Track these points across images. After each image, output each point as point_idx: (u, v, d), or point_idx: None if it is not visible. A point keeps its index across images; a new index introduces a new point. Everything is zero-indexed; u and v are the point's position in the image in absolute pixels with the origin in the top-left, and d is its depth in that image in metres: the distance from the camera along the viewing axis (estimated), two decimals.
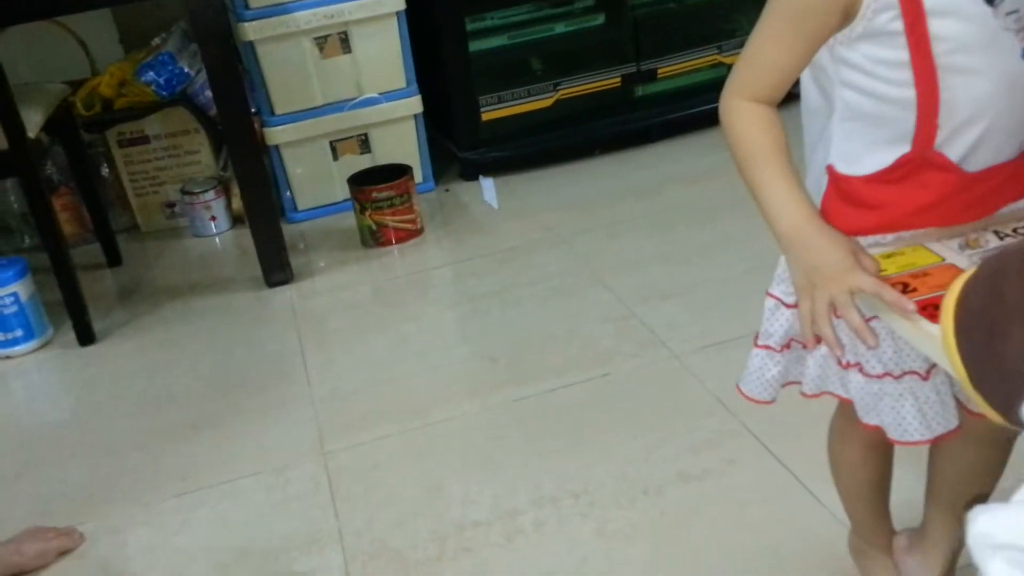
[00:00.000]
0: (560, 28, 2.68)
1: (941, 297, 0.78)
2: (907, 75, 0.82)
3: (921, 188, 0.87)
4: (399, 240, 2.44)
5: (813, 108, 0.94)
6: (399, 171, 2.46)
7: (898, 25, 0.80)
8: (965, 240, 0.87)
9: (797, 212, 0.88)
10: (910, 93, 0.83)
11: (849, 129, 0.90)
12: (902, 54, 0.81)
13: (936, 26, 0.80)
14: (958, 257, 0.85)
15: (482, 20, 2.62)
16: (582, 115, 2.74)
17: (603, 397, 1.73)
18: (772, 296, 0.98)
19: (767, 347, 0.98)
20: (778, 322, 0.97)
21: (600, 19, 2.71)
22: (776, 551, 1.33)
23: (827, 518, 1.34)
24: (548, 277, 2.18)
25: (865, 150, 0.89)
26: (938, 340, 0.74)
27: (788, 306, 0.96)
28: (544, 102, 2.72)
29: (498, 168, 2.73)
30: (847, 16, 0.83)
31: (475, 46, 2.63)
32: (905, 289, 0.81)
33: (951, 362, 0.64)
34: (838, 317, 0.86)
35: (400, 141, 2.66)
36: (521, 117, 2.71)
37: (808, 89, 0.94)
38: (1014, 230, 0.88)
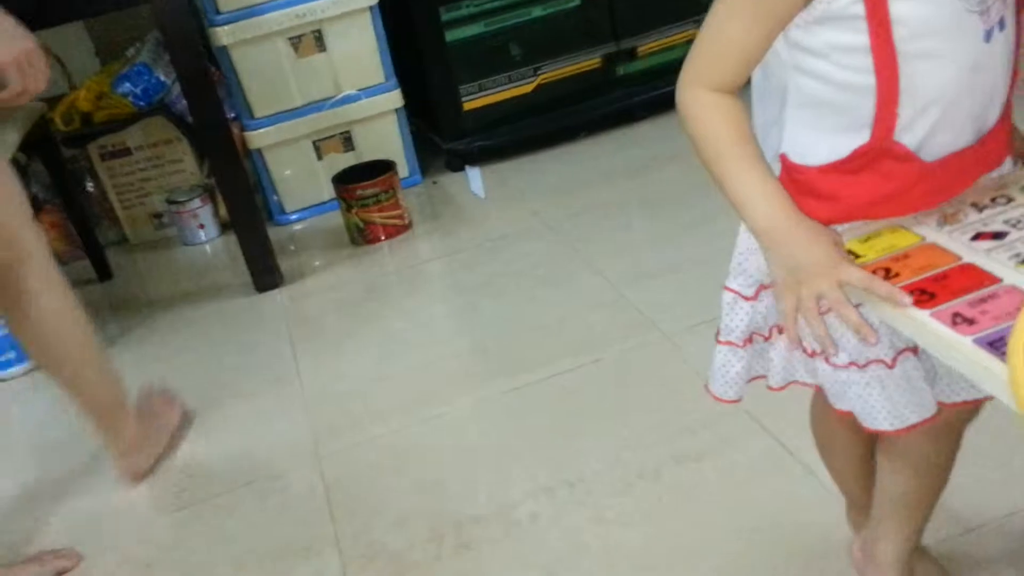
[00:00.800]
0: (537, 11, 2.66)
1: (927, 280, 0.77)
2: (866, 61, 0.79)
3: (879, 178, 0.83)
4: (388, 236, 2.43)
5: (763, 94, 0.90)
6: (383, 167, 2.45)
7: (858, 8, 0.77)
8: (943, 216, 0.84)
9: (773, 205, 0.84)
10: (869, 80, 0.79)
11: (803, 116, 0.86)
12: (861, 39, 0.78)
13: (898, 9, 0.76)
14: (938, 235, 0.82)
15: (457, 9, 2.60)
16: (565, 98, 2.72)
17: (596, 383, 1.71)
18: (730, 290, 0.95)
19: (729, 343, 0.95)
20: (738, 316, 0.94)
21: (577, 0, 2.68)
22: (775, 528, 1.32)
23: (823, 493, 1.33)
24: (538, 265, 2.16)
25: (820, 139, 0.85)
26: (925, 326, 0.73)
27: (747, 299, 0.93)
28: (526, 87, 2.69)
29: (483, 157, 2.72)
30: None
31: (452, 35, 2.61)
32: (888, 274, 0.79)
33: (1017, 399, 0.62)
34: (823, 313, 0.83)
35: (383, 136, 2.65)
36: (503, 104, 2.69)
37: (759, 74, 0.90)
38: (992, 200, 0.85)
